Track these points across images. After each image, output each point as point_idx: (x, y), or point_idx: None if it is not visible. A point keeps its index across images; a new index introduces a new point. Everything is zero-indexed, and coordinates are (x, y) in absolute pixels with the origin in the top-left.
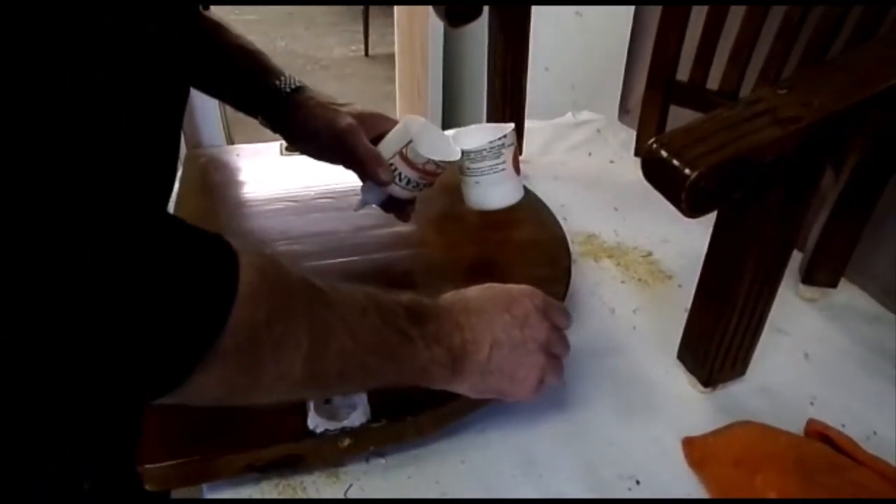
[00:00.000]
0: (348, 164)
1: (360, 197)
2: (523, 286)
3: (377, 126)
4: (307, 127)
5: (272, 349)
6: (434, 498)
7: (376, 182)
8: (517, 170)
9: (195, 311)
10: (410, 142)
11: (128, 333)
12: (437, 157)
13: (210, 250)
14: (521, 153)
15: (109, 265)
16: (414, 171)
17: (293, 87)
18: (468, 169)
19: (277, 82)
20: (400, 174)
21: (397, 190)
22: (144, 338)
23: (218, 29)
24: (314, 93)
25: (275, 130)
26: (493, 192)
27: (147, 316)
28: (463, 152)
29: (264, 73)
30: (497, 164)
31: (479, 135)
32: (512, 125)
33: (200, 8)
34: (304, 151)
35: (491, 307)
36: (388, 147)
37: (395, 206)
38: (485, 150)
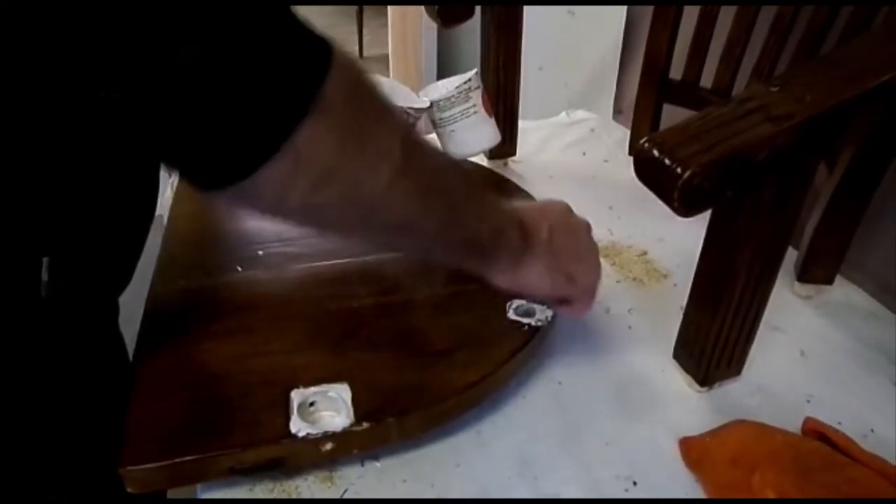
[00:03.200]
0: None
1: None
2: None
3: None
4: None
5: (372, 117)
6: (430, 499)
7: None
8: (489, 113)
9: (302, 61)
10: None
11: (236, 80)
12: (403, 105)
13: (303, 27)
14: (514, 153)
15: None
16: None
17: None
18: (440, 119)
19: None
20: None
21: None
22: (255, 85)
23: None
24: None
25: None
26: (469, 136)
27: (255, 65)
28: (432, 102)
29: None
30: (468, 109)
31: (445, 86)
32: (475, 69)
33: None
34: None
35: (535, 207)
36: None
37: None
38: (453, 95)
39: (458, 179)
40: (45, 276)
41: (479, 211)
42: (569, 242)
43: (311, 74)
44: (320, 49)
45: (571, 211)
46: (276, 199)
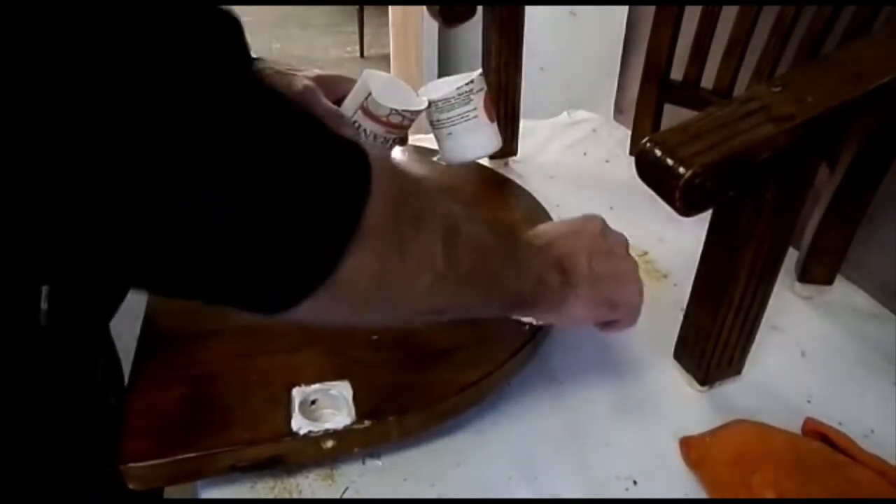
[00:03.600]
0: None
1: None
2: (585, 215)
3: (338, 88)
4: None
5: (414, 224)
6: (430, 498)
7: None
8: (491, 117)
9: (340, 185)
10: (370, 94)
11: (275, 213)
12: (399, 107)
13: (333, 139)
14: (515, 153)
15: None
16: (378, 125)
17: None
18: (438, 121)
19: None
20: (365, 130)
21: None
22: (295, 216)
23: None
24: (271, 62)
25: None
26: (467, 141)
27: (295, 194)
28: (430, 103)
29: None
30: (468, 112)
31: (447, 86)
32: (479, 70)
33: None
34: None
35: (568, 231)
36: (349, 104)
37: None
38: (452, 97)
39: (496, 246)
40: (44, 305)
41: (518, 269)
42: (609, 268)
43: (352, 201)
44: (358, 168)
45: (607, 227)
46: (317, 320)
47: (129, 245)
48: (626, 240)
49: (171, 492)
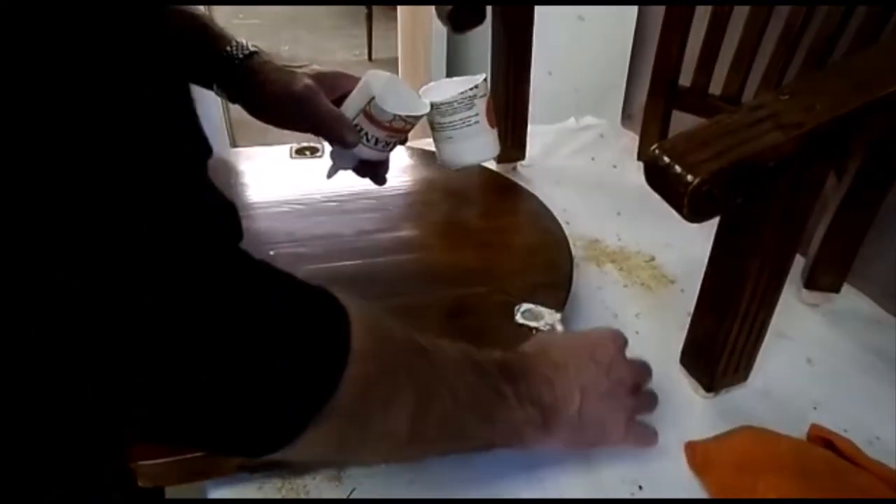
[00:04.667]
0: (312, 129)
1: (331, 164)
2: (603, 329)
3: (339, 86)
4: (265, 93)
5: (382, 406)
6: (436, 498)
7: (341, 145)
8: (492, 123)
9: (310, 369)
10: (373, 98)
11: (242, 392)
12: (402, 112)
13: (319, 305)
14: (523, 157)
15: (218, 320)
16: (381, 130)
17: (246, 52)
18: (439, 124)
19: (229, 48)
20: (367, 134)
21: (367, 151)
22: (259, 397)
23: None
24: (269, 56)
25: (232, 100)
26: (467, 146)
27: (261, 375)
28: (432, 105)
29: (215, 40)
30: (469, 117)
31: (450, 88)
32: (483, 74)
33: None
34: (267, 120)
35: (576, 358)
36: (351, 106)
37: (368, 170)
38: (455, 101)
39: (473, 405)
40: None
41: (493, 428)
42: (598, 415)
43: (318, 391)
44: (333, 355)
45: (620, 356)
46: (306, 457)
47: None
48: (637, 373)
49: (177, 491)
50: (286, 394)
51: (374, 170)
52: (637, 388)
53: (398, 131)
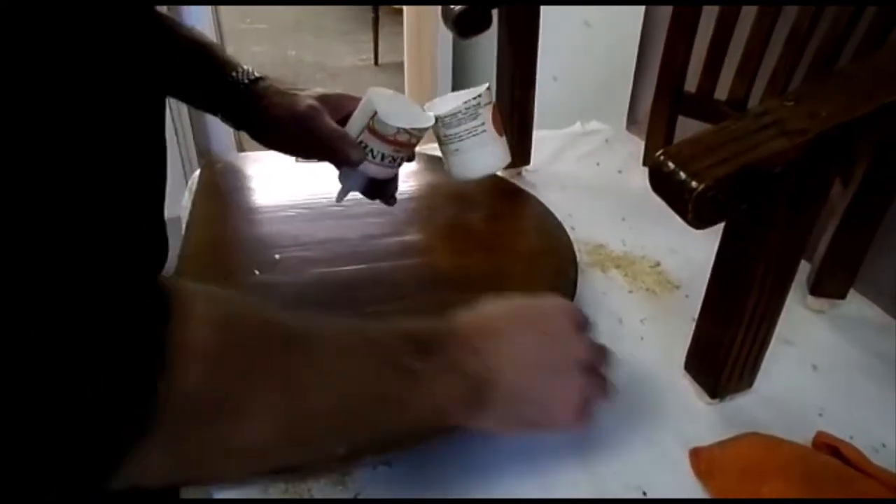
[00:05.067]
0: (316, 150)
1: (339, 187)
2: (554, 298)
3: (342, 106)
4: (268, 117)
5: (230, 415)
6: (439, 498)
7: (347, 163)
8: (500, 132)
9: (119, 391)
10: (376, 113)
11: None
12: (406, 125)
13: (144, 307)
14: (529, 163)
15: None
16: (385, 144)
17: (251, 78)
18: (446, 136)
19: (235, 74)
20: (372, 150)
21: (373, 169)
22: (67, 416)
23: (168, 23)
24: (273, 81)
25: (238, 127)
26: (475, 157)
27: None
28: (437, 119)
29: (220, 66)
30: (476, 127)
31: (454, 101)
32: (487, 83)
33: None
34: (271, 144)
35: (514, 325)
36: (354, 124)
37: (377, 191)
38: (460, 112)
39: (369, 392)
40: None
41: (404, 411)
42: (540, 386)
43: (135, 402)
44: (146, 359)
45: (572, 327)
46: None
47: None
48: (593, 351)
49: (183, 492)
50: (96, 418)
51: (384, 189)
52: (593, 370)
53: (403, 145)
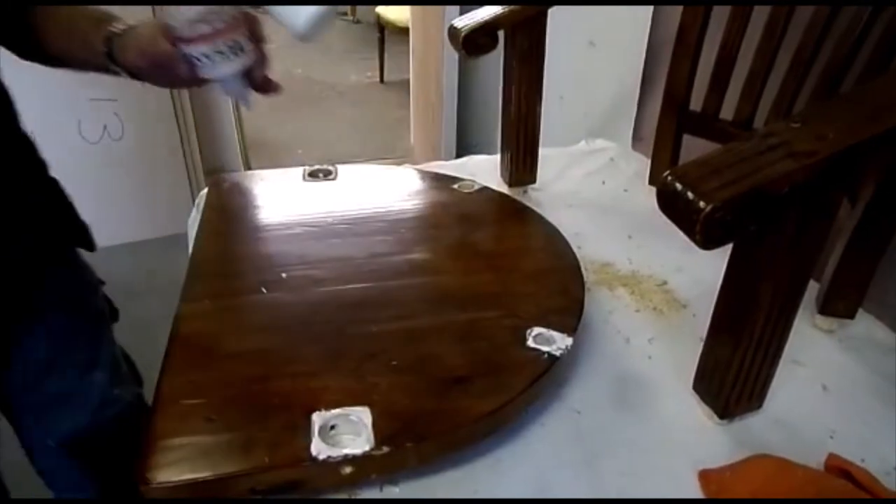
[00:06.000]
0: (164, 80)
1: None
2: None
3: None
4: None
5: None
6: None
7: (184, 78)
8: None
9: None
10: (168, 23)
11: None
12: (196, 13)
13: None
14: (535, 181)
15: None
16: (200, 44)
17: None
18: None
19: (112, 29)
20: (197, 58)
21: (221, 69)
22: None
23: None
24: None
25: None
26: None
27: None
28: None
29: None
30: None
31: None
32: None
33: None
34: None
35: None
36: (166, 44)
37: (253, 83)
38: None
39: None
40: None
41: None
42: None
43: None
44: None
45: None
46: None
47: None
48: None
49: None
50: None
51: (254, 79)
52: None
53: (219, 33)
